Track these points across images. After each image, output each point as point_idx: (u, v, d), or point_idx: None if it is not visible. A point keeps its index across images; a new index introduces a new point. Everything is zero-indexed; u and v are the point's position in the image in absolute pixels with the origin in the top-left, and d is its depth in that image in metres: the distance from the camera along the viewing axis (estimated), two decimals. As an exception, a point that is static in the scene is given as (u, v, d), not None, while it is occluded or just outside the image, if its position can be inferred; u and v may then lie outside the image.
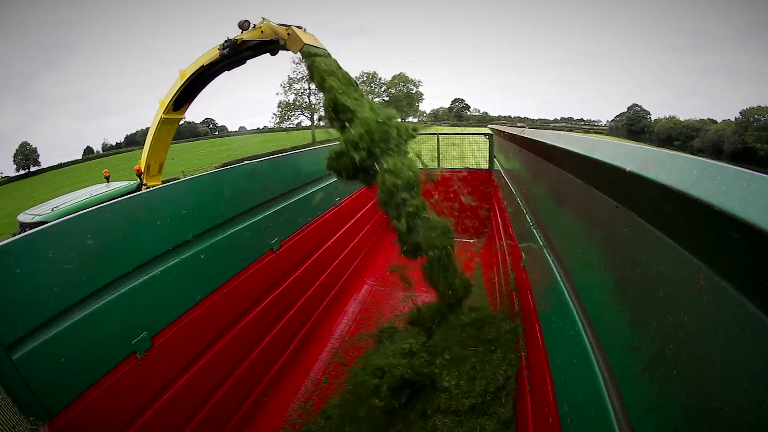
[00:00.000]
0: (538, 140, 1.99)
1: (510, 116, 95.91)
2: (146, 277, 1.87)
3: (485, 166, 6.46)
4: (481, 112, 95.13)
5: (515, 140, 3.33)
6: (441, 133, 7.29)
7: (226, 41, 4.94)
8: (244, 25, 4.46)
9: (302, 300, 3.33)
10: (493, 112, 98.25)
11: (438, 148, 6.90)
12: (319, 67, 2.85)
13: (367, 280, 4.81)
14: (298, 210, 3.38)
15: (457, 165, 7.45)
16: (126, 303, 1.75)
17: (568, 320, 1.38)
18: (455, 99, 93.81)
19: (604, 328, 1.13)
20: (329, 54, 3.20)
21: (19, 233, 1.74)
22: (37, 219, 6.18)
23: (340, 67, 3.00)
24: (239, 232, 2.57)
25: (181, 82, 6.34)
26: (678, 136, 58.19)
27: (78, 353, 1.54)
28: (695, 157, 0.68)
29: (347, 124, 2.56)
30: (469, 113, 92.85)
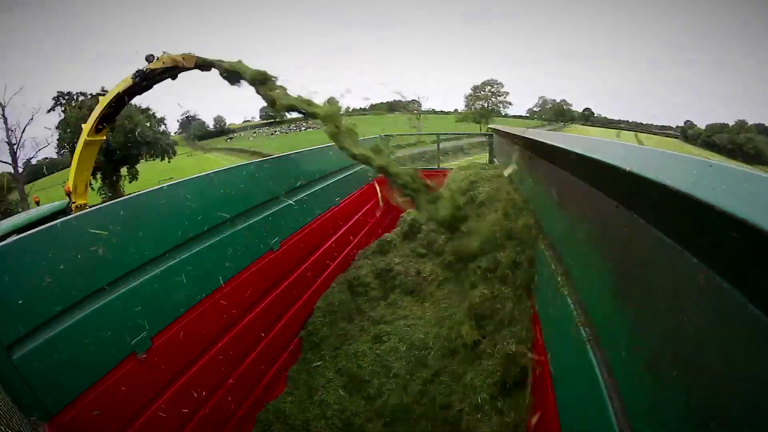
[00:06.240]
0: (538, 140, 1.99)
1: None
2: (146, 277, 1.87)
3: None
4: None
5: (515, 140, 3.33)
6: (441, 133, 7.29)
7: (137, 72, 5.74)
8: (149, 58, 5.46)
9: (302, 300, 3.33)
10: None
11: (438, 147, 6.91)
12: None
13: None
14: (298, 210, 3.38)
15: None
16: (126, 303, 1.74)
17: (568, 320, 1.38)
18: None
19: (604, 328, 1.13)
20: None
21: None
22: None
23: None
24: (239, 232, 2.57)
25: (101, 109, 6.94)
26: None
27: (78, 353, 1.53)
28: (695, 157, 0.68)
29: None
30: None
